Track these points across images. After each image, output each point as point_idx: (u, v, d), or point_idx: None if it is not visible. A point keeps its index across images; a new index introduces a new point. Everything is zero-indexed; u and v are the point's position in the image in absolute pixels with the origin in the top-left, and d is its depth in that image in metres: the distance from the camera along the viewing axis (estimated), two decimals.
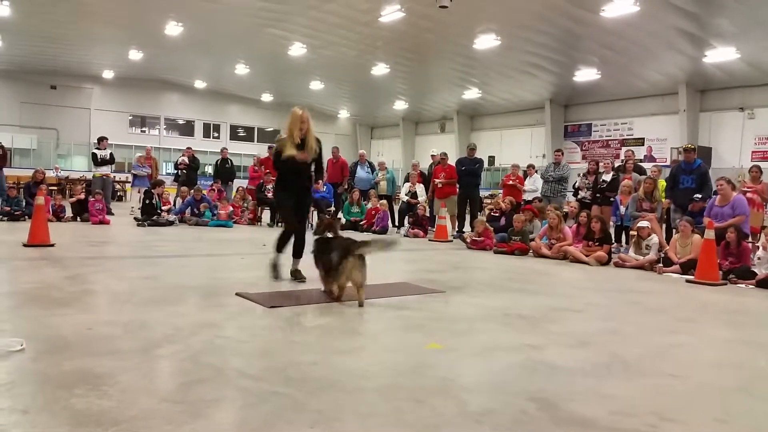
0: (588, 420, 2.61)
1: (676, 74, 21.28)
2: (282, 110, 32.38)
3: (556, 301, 5.65)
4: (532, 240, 9.60)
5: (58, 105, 30.04)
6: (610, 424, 2.58)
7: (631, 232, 9.56)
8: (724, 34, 17.28)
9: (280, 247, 6.00)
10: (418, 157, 22.80)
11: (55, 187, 20.79)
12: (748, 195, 9.52)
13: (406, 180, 14.39)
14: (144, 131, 33.26)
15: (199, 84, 32.17)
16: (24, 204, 12.27)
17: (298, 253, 6.07)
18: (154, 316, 4.21)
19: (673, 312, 5.42)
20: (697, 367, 3.64)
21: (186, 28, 21.54)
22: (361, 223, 12.97)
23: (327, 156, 15.11)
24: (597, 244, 8.75)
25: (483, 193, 17.39)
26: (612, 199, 10.54)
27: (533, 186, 12.62)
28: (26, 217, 11.42)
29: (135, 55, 25.93)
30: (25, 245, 7.89)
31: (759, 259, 7.41)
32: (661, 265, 8.08)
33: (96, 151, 15.14)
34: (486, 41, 20.08)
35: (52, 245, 7.97)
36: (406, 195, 13.61)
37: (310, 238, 5.82)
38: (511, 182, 12.85)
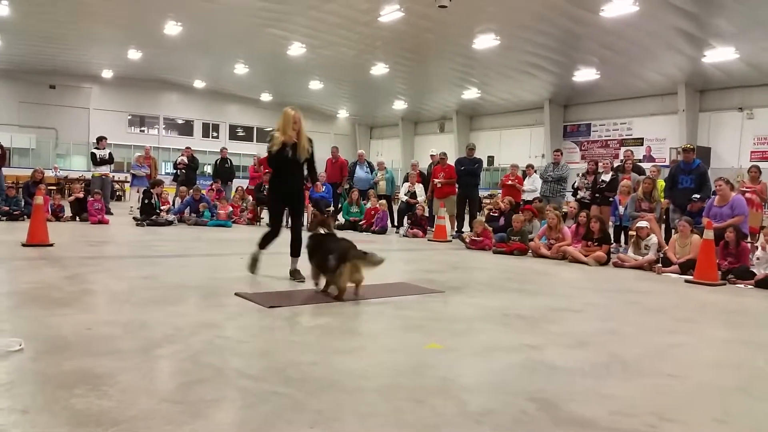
0: (587, 420, 2.61)
1: (675, 74, 21.29)
2: (281, 110, 32.18)
3: (555, 301, 5.65)
4: (531, 240, 9.60)
5: (57, 104, 30.00)
6: (609, 424, 2.58)
7: (630, 232, 9.57)
8: (724, 34, 17.30)
9: (262, 244, 6.15)
10: (417, 157, 22.80)
11: (54, 187, 20.79)
12: (747, 195, 9.53)
13: (406, 180, 14.40)
14: (143, 131, 33.23)
15: (199, 84, 32.15)
16: (23, 204, 12.26)
17: (295, 253, 6.11)
18: (153, 316, 4.21)
19: (672, 312, 5.42)
20: (696, 367, 3.65)
21: (185, 27, 21.52)
22: (361, 223, 12.97)
23: (326, 156, 15.20)
24: (596, 244, 8.76)
25: (482, 193, 17.39)
26: (611, 199, 10.55)
27: (532, 186, 12.63)
28: (25, 216, 11.42)
29: (134, 54, 25.91)
30: (24, 245, 7.88)
31: (758, 259, 7.42)
32: (660, 265, 8.09)
33: (95, 150, 15.13)
34: (485, 41, 20.08)
35: (51, 245, 7.96)
36: (405, 195, 13.62)
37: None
38: (510, 182, 12.85)
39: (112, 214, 13.86)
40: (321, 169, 14.72)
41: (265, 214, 14.25)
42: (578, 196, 11.36)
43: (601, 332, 4.39)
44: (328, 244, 5.29)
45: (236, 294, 5.12)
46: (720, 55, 18.43)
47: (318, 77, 28.68)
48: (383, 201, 13.29)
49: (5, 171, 14.45)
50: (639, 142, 24.30)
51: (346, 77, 28.43)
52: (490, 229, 10.44)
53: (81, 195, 12.95)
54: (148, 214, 12.60)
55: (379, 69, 25.13)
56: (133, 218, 13.03)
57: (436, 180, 12.42)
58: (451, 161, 12.90)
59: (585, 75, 22.51)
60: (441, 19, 18.59)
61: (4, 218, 11.84)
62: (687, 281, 7.20)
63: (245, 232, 11.79)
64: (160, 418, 2.43)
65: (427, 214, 12.89)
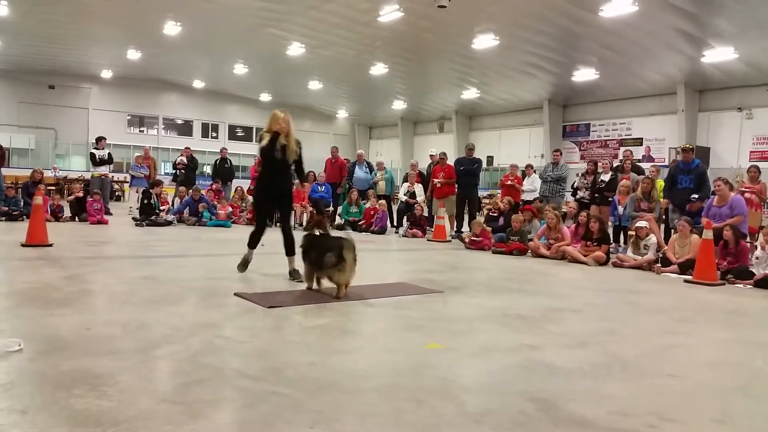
0: (587, 420, 2.61)
1: (674, 74, 21.30)
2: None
3: (555, 301, 5.65)
4: (531, 240, 9.61)
5: (56, 105, 29.97)
6: (609, 424, 2.58)
7: (630, 232, 9.57)
8: (723, 34, 17.30)
9: (251, 243, 6.34)
10: (417, 157, 22.79)
11: (54, 187, 20.78)
12: (747, 195, 9.53)
13: (405, 180, 14.40)
14: (142, 131, 33.20)
15: (198, 84, 32.13)
16: (22, 204, 12.25)
17: (290, 252, 6.18)
18: (152, 317, 4.20)
19: (672, 312, 5.42)
20: (696, 368, 3.65)
21: (184, 27, 21.51)
22: (360, 223, 12.97)
23: (326, 156, 15.21)
24: (595, 244, 8.76)
25: (481, 193, 17.41)
26: (610, 199, 10.55)
27: (532, 186, 12.63)
28: (24, 217, 11.41)
29: (133, 54, 25.88)
30: (23, 245, 7.87)
31: (757, 259, 7.42)
32: (659, 265, 8.09)
33: (94, 151, 15.13)
34: (485, 41, 20.09)
35: (51, 245, 7.96)
36: (404, 195, 13.62)
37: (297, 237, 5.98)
38: (509, 182, 12.85)
39: (111, 214, 13.85)
40: (320, 169, 14.76)
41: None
42: (577, 196, 11.37)
43: (600, 332, 4.39)
44: (325, 243, 5.33)
45: (235, 294, 5.12)
46: (719, 55, 18.44)
47: (317, 77, 28.67)
48: (383, 201, 13.29)
49: (4, 171, 14.44)
50: (638, 142, 24.31)
51: (345, 77, 28.42)
52: (489, 229, 10.44)
53: (81, 194, 12.94)
54: (148, 214, 12.60)
55: (379, 69, 25.13)
56: (133, 218, 13.02)
57: (436, 180, 12.42)
58: (450, 161, 12.90)
59: (584, 75, 22.52)
60: (440, 19, 18.59)
61: (4, 218, 11.83)
62: (686, 281, 7.20)
63: (245, 233, 11.71)
64: (160, 418, 2.43)
65: (426, 214, 12.90)
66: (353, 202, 13.51)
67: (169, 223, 12.58)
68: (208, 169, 26.47)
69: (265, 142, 6.03)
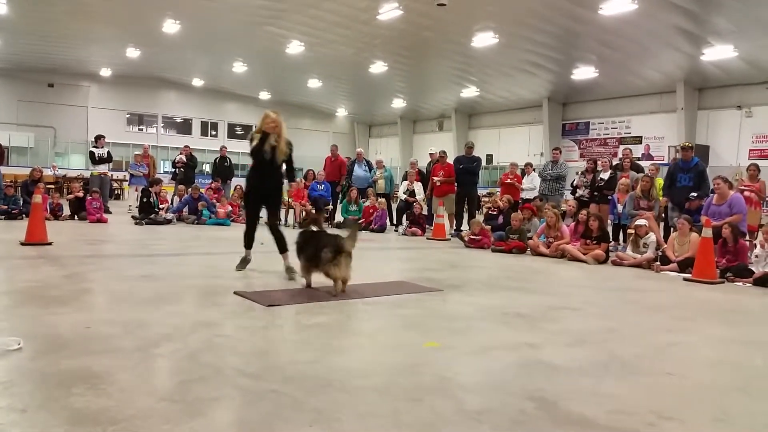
0: (586, 419, 2.61)
1: (674, 72, 21.30)
2: (280, 108, 31.98)
3: (554, 299, 5.65)
4: (530, 238, 9.61)
5: (55, 103, 29.96)
6: (608, 423, 2.58)
7: (629, 231, 9.57)
8: (722, 32, 17.30)
9: (246, 244, 6.43)
10: (416, 156, 22.80)
11: (53, 186, 20.77)
12: (746, 193, 9.53)
13: (404, 178, 14.38)
14: (141, 129, 33.18)
15: (197, 82, 32.12)
16: (21, 202, 12.24)
17: (282, 249, 6.21)
18: (152, 315, 4.20)
19: (671, 310, 5.43)
20: (695, 366, 3.65)
21: (183, 26, 21.50)
22: (359, 221, 12.95)
23: (325, 154, 15.20)
24: (595, 242, 8.76)
25: (481, 192, 17.41)
26: (609, 198, 10.56)
27: (531, 184, 12.63)
28: (24, 215, 11.40)
29: (132, 53, 25.88)
30: (22, 244, 7.87)
31: (756, 257, 7.42)
32: (658, 263, 8.09)
33: (93, 149, 15.12)
34: (484, 39, 20.09)
35: (50, 244, 7.96)
36: (404, 193, 13.62)
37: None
38: (509, 181, 12.84)
39: (110, 212, 13.84)
40: (320, 167, 14.77)
41: (264, 213, 14.24)
42: (577, 195, 11.37)
43: (599, 331, 4.39)
44: (321, 239, 5.39)
45: (235, 293, 5.12)
46: (719, 53, 18.45)
47: (317, 75, 28.66)
48: (382, 200, 13.29)
49: (4, 170, 14.45)
50: (638, 140, 24.32)
51: (344, 75, 28.41)
52: (488, 228, 10.44)
53: (81, 194, 12.92)
54: (147, 212, 12.59)
55: (378, 67, 25.13)
56: (132, 217, 13.01)
57: (436, 178, 12.41)
58: (449, 160, 12.90)
59: (584, 73, 22.52)
60: (440, 18, 18.59)
61: (3, 217, 11.82)
62: (685, 279, 7.21)
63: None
64: (159, 416, 2.43)
65: (425, 213, 12.89)
66: (352, 201, 13.51)
67: (168, 222, 12.58)
68: (207, 168, 26.46)
69: (255, 142, 6.11)
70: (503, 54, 21.86)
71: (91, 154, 15.09)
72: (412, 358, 3.47)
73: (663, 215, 10.00)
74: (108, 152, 15.22)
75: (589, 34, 19.11)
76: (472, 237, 10.19)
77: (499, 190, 14.13)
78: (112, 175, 17.26)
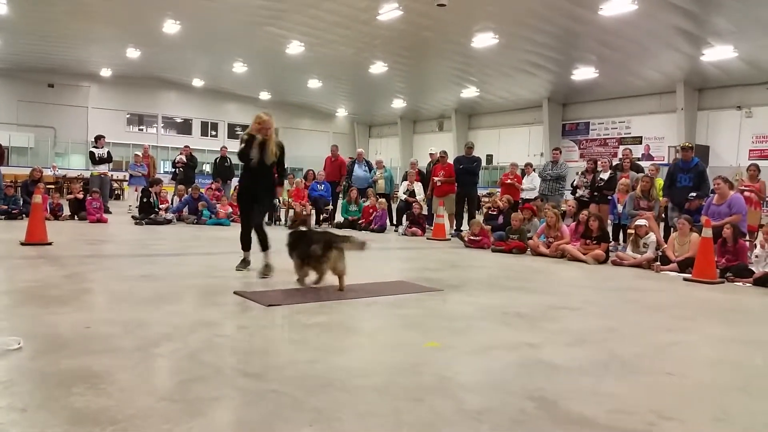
0: (586, 418, 2.61)
1: (673, 73, 21.30)
2: (280, 108, 32.38)
3: (554, 299, 5.65)
4: (530, 238, 9.60)
5: (55, 103, 29.96)
6: (608, 422, 2.58)
7: (629, 231, 9.57)
8: (722, 33, 17.30)
9: (243, 246, 6.46)
10: (416, 156, 22.78)
11: (53, 186, 20.76)
12: (746, 194, 9.53)
13: (404, 178, 14.37)
14: (141, 130, 33.18)
15: (197, 82, 32.11)
16: (21, 202, 12.25)
17: (264, 248, 6.26)
18: (152, 315, 4.20)
19: (671, 310, 5.42)
20: (695, 366, 3.65)
21: (183, 26, 21.49)
22: (359, 221, 12.97)
23: (325, 154, 15.21)
24: (595, 242, 8.76)
25: (481, 192, 17.40)
26: (609, 198, 10.55)
27: (531, 185, 12.62)
28: (24, 215, 11.40)
29: (132, 53, 25.87)
30: (22, 244, 7.87)
31: (756, 257, 7.42)
32: (658, 263, 8.09)
33: (93, 149, 15.13)
34: (484, 39, 20.08)
35: (50, 244, 7.96)
36: (404, 193, 13.61)
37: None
38: (509, 181, 12.83)
39: (110, 213, 13.84)
40: (320, 167, 14.77)
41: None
42: (577, 195, 11.37)
43: (599, 330, 4.39)
44: (311, 236, 5.53)
45: (235, 292, 5.12)
46: (718, 53, 18.44)
47: (317, 76, 28.65)
48: (382, 200, 13.29)
49: (4, 170, 14.44)
50: (638, 140, 24.32)
51: (344, 76, 28.41)
52: (488, 228, 10.44)
53: (80, 196, 12.92)
54: (147, 212, 12.59)
55: (378, 67, 25.12)
56: (132, 217, 13.01)
57: (437, 178, 12.41)
58: (449, 160, 12.89)
59: (584, 73, 22.52)
60: (440, 18, 18.58)
61: (3, 217, 11.82)
62: (685, 279, 7.20)
63: None
64: (159, 416, 2.43)
65: (425, 213, 12.89)
66: (352, 201, 13.50)
67: (168, 222, 12.57)
68: (207, 168, 26.47)
69: (242, 145, 6.23)
70: (503, 54, 21.86)
71: (91, 154, 15.09)
72: (412, 357, 3.47)
73: (663, 215, 10.00)
74: (108, 152, 15.22)
75: (589, 34, 19.11)
76: (472, 237, 10.18)
77: (499, 190, 14.12)
78: (112, 175, 17.27)
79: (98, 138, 15.31)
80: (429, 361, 3.39)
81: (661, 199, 9.81)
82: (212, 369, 3.06)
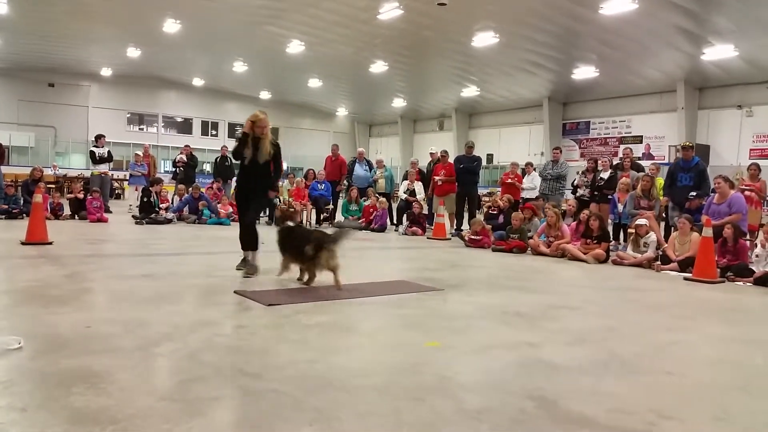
0: (586, 418, 2.61)
1: (674, 72, 21.29)
2: (280, 108, 32.43)
3: (554, 298, 5.65)
4: (531, 238, 9.60)
5: (55, 103, 29.98)
6: (608, 422, 2.58)
7: (629, 230, 9.57)
8: (723, 32, 17.29)
9: (242, 245, 6.38)
10: (416, 155, 22.78)
11: (53, 185, 20.77)
12: (747, 193, 9.52)
13: (405, 178, 14.37)
14: (142, 129, 33.19)
15: (197, 81, 32.12)
16: (22, 202, 12.25)
17: (250, 247, 6.28)
18: (152, 315, 4.20)
19: (671, 309, 5.42)
20: (695, 365, 3.65)
21: (184, 25, 21.50)
22: (359, 221, 12.96)
23: (326, 153, 15.20)
24: (595, 241, 8.76)
25: (481, 191, 17.40)
26: (610, 197, 10.55)
27: (531, 184, 12.62)
28: (24, 215, 11.40)
29: (133, 52, 25.89)
30: (22, 243, 7.88)
31: (757, 256, 7.42)
32: (659, 262, 8.09)
33: (94, 149, 15.13)
34: (484, 39, 20.08)
35: (50, 243, 7.96)
36: (404, 193, 13.61)
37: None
38: (509, 180, 12.83)
39: (111, 212, 13.85)
40: (320, 166, 14.77)
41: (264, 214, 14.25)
42: (577, 194, 11.36)
43: (599, 330, 4.39)
44: (301, 234, 5.58)
45: (235, 292, 5.12)
46: (719, 52, 18.43)
47: (317, 75, 28.65)
48: (382, 199, 13.29)
49: (4, 169, 14.42)
50: (638, 139, 24.31)
51: (345, 75, 28.41)
52: (489, 227, 10.44)
53: (81, 195, 12.92)
54: (147, 212, 12.59)
55: (378, 67, 25.12)
56: (132, 216, 13.02)
57: (437, 177, 12.40)
58: (450, 159, 12.88)
59: (584, 73, 22.51)
60: (440, 17, 18.58)
61: (3, 216, 11.82)
62: (686, 279, 7.20)
63: None
64: (159, 416, 2.43)
65: (425, 212, 12.89)
66: (353, 200, 13.50)
67: (168, 221, 12.58)
68: (208, 167, 26.46)
69: (237, 143, 6.25)
70: (503, 53, 21.84)
71: (92, 153, 15.10)
72: (412, 357, 3.47)
73: (663, 215, 9.99)
74: (108, 152, 15.23)
75: (590, 33, 19.10)
76: (472, 236, 10.18)
77: (499, 189, 14.12)
78: (112, 174, 17.27)
79: (99, 137, 15.31)
80: (429, 361, 3.39)
81: (661, 198, 9.81)
82: (212, 369, 3.06)
